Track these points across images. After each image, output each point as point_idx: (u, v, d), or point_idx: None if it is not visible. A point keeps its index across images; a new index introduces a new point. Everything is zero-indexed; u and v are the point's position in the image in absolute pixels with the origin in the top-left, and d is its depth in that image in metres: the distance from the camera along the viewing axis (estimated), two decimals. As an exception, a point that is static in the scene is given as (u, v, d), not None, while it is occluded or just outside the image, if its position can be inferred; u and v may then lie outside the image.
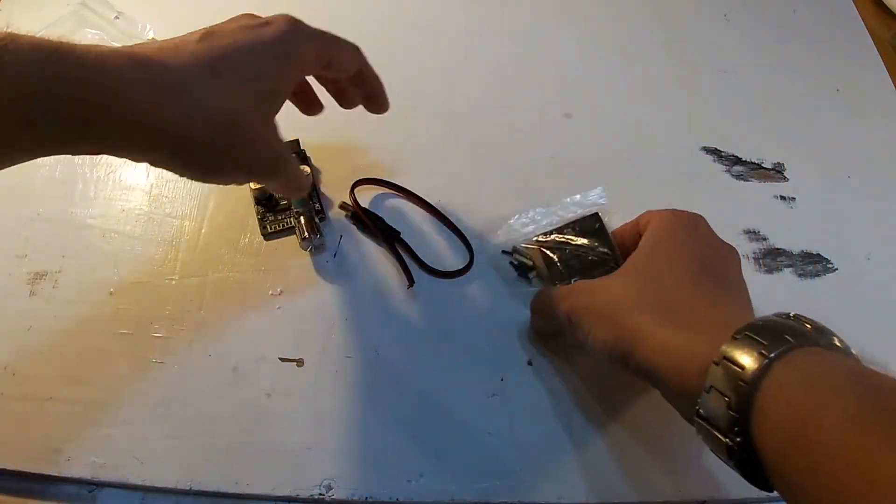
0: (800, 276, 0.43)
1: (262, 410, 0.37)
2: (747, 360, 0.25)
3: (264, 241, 0.43)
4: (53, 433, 0.35)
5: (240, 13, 0.33)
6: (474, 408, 0.37)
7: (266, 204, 0.44)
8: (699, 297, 0.31)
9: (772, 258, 0.43)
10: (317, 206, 0.44)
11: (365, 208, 0.43)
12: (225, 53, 0.30)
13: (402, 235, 0.42)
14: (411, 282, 0.41)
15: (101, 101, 0.26)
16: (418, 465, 0.35)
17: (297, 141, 0.45)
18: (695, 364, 0.27)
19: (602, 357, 0.33)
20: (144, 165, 0.46)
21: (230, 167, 0.32)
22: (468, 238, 0.43)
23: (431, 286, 0.41)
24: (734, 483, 0.35)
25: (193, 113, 0.28)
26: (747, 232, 0.45)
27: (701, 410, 0.26)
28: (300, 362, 0.38)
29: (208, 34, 0.30)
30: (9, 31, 0.25)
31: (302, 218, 0.42)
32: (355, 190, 0.44)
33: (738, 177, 0.47)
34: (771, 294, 0.42)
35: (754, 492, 0.35)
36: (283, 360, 0.38)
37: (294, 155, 0.44)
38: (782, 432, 0.23)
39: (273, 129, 0.33)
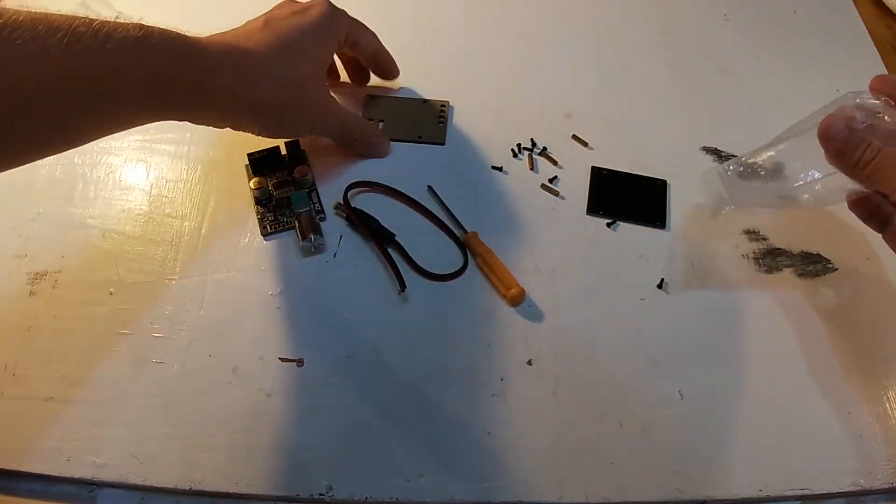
0: (800, 276, 0.43)
1: (262, 410, 0.37)
2: None
3: (264, 241, 0.43)
4: (53, 433, 0.35)
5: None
6: (474, 408, 0.37)
7: (266, 204, 0.44)
8: None
9: (772, 258, 0.43)
10: (317, 205, 0.44)
11: (360, 210, 0.43)
12: (284, 35, 0.39)
13: (397, 238, 0.42)
14: (403, 287, 0.40)
15: (206, 78, 0.36)
16: (418, 465, 0.35)
17: (296, 140, 0.45)
18: None
19: None
20: (143, 165, 0.46)
21: (299, 122, 0.41)
22: (463, 241, 0.43)
23: (431, 287, 0.41)
24: (733, 483, 0.35)
25: (269, 82, 0.38)
26: (747, 232, 0.45)
27: None
28: (300, 362, 0.38)
29: (268, 21, 0.40)
30: (140, 22, 0.33)
31: (302, 218, 0.42)
32: (352, 192, 0.44)
33: (739, 177, 0.47)
34: (771, 294, 0.42)
35: (754, 491, 0.35)
36: (283, 360, 0.38)
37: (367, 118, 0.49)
38: None
39: (326, 90, 0.44)
